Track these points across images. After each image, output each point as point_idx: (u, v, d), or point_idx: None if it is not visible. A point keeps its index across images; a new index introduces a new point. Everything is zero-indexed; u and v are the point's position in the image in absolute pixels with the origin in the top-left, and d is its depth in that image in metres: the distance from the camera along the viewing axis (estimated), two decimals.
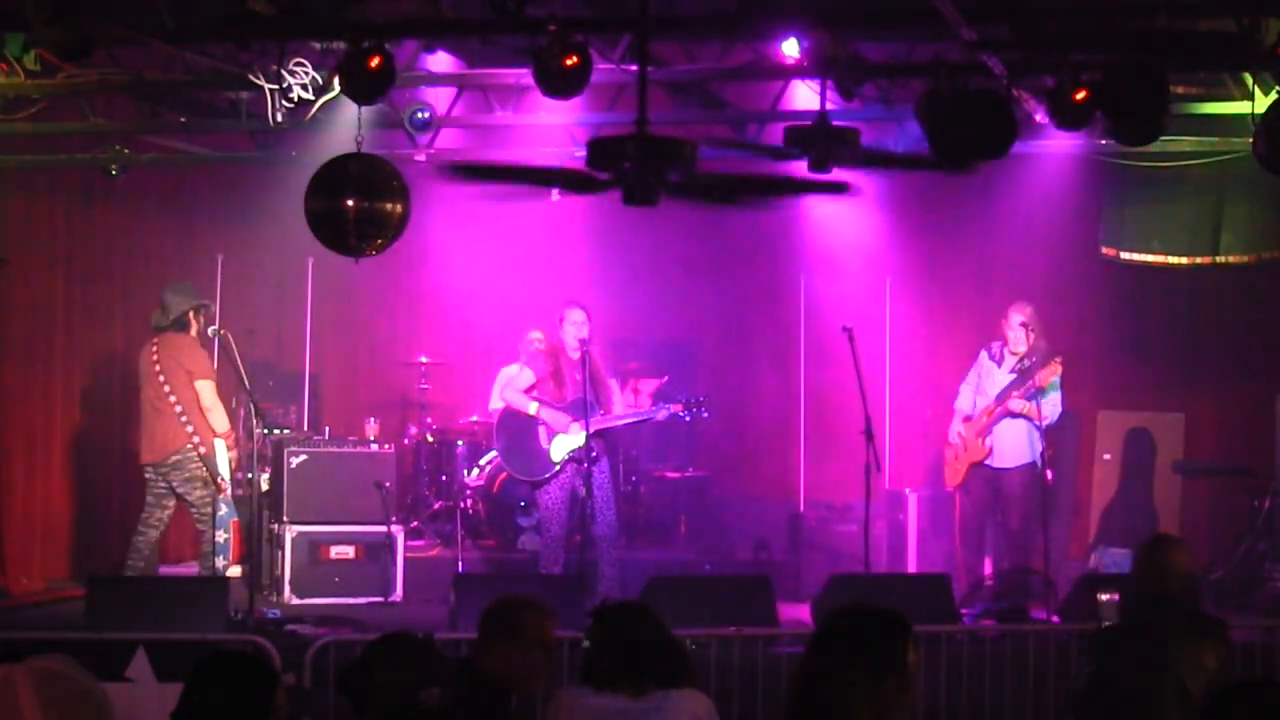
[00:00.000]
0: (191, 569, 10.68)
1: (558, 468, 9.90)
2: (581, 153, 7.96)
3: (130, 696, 6.96)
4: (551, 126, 10.58)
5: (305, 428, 12.02)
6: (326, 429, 11.85)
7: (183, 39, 8.84)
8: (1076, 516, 11.95)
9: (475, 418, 12.34)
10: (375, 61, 8.27)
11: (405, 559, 10.54)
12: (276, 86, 9.40)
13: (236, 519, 9.84)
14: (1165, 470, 11.87)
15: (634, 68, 7.87)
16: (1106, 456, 12.08)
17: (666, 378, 12.33)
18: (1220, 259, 11.37)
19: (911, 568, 11.06)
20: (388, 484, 10.56)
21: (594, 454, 9.74)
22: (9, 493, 10.75)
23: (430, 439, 12.25)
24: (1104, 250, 11.84)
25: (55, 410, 11.25)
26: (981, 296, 12.01)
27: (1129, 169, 11.19)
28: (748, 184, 6.45)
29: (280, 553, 10.38)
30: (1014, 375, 10.25)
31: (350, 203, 8.27)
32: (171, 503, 9.80)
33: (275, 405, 11.95)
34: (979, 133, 8.03)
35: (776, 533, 11.87)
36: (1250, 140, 8.43)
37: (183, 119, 10.80)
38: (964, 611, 9.39)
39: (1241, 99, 9.54)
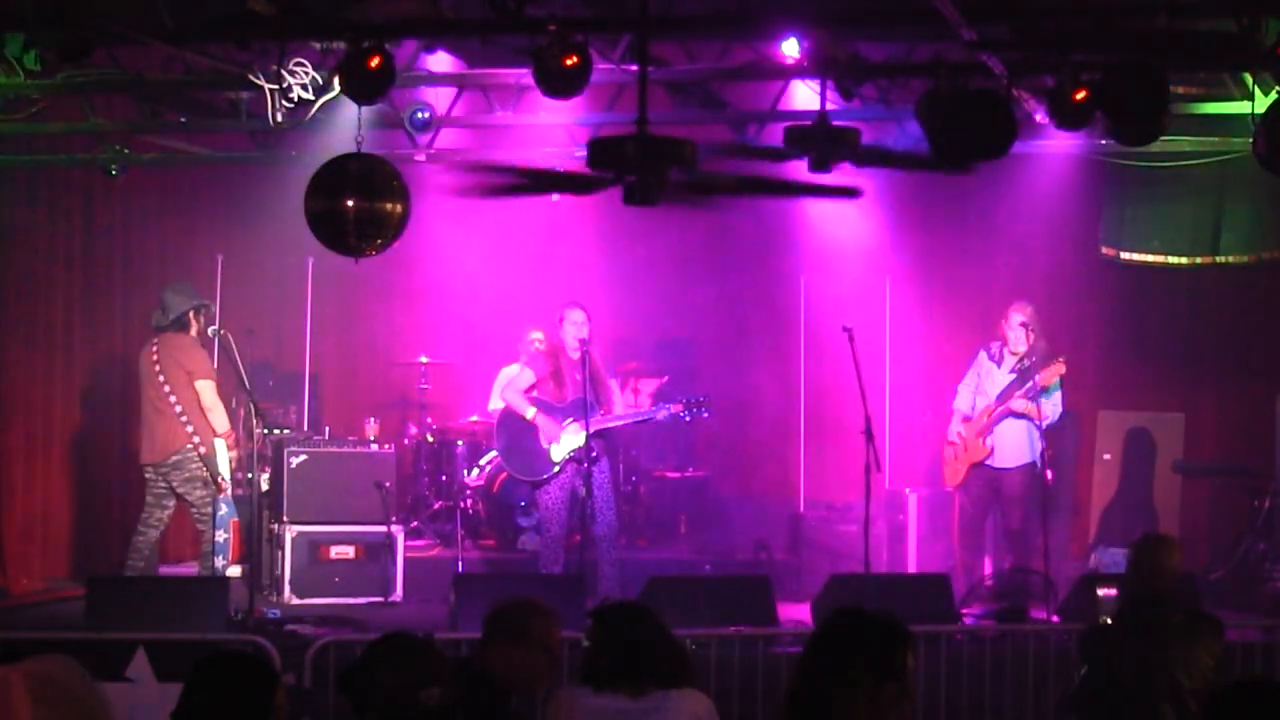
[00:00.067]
0: (191, 569, 10.68)
1: (558, 468, 9.90)
2: (581, 153, 7.97)
3: (130, 696, 6.97)
4: (551, 126, 10.58)
5: (305, 428, 12.02)
6: (326, 429, 11.85)
7: (183, 39, 8.83)
8: (1076, 516, 11.95)
9: (475, 418, 12.34)
10: (375, 61, 8.27)
11: (405, 559, 10.54)
12: (276, 86, 9.40)
13: (236, 519, 9.84)
14: (1165, 470, 11.86)
15: (634, 68, 7.88)
16: (1106, 456, 12.08)
17: (666, 378, 12.33)
18: (1220, 259, 11.37)
19: (911, 568, 11.06)
20: (388, 484, 10.56)
21: (594, 454, 9.74)
22: (9, 493, 10.75)
23: (430, 439, 12.25)
24: (1104, 250, 11.84)
25: (55, 410, 11.25)
26: (981, 296, 12.02)
27: (1129, 169, 11.19)
28: (751, 185, 6.44)
29: (280, 553, 10.37)
30: (1014, 375, 10.25)
31: (350, 203, 8.27)
32: (171, 503, 9.80)
33: (275, 405, 11.95)
34: (979, 133, 8.03)
35: (776, 533, 11.87)
36: (1250, 140, 8.43)
37: (183, 119, 10.80)
38: (964, 611, 9.38)
39: (1241, 99, 9.54)
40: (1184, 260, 11.51)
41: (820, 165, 7.38)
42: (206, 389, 9.72)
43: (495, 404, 11.32)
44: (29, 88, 9.70)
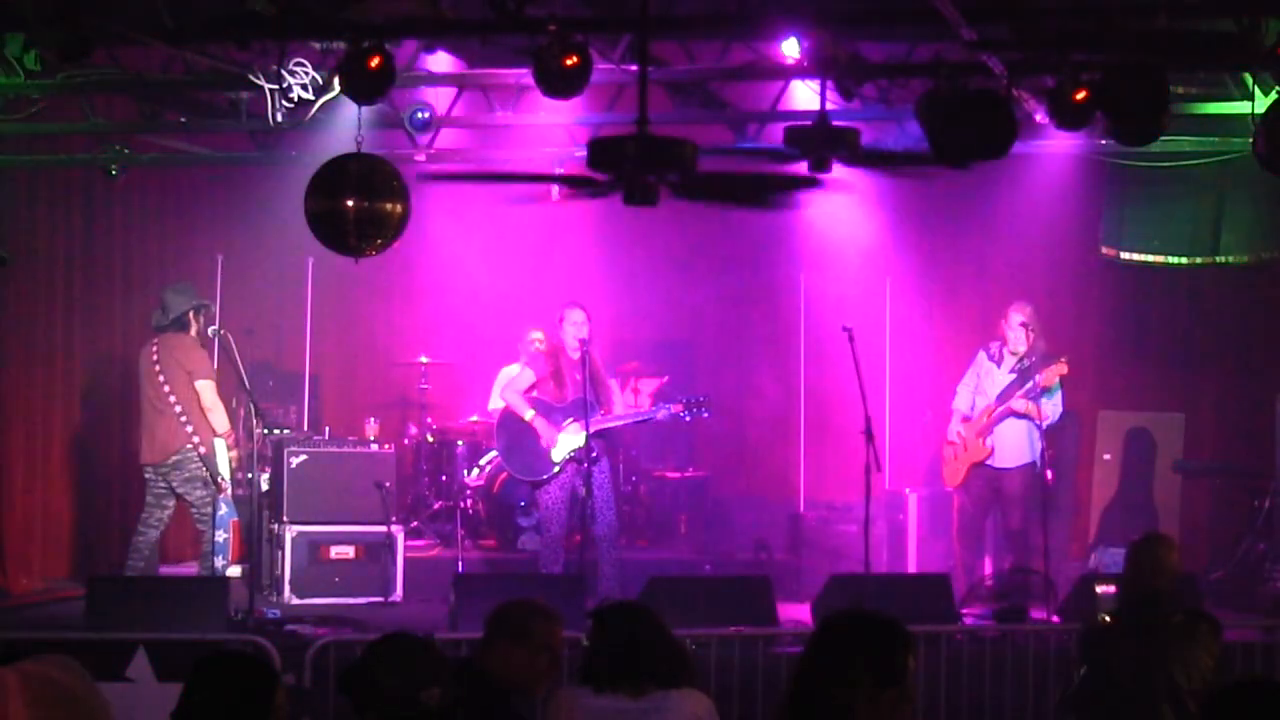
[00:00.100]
0: (191, 569, 10.68)
1: (558, 468, 9.90)
2: (581, 153, 7.97)
3: (130, 696, 6.96)
4: (551, 126, 10.58)
5: (305, 428, 12.02)
6: (326, 429, 11.85)
7: (183, 39, 8.83)
8: (1076, 516, 11.95)
9: (475, 418, 12.34)
10: (375, 61, 8.27)
11: (405, 559, 10.54)
12: (276, 86, 9.40)
13: (236, 519, 9.84)
14: (1165, 470, 11.86)
15: (634, 68, 7.88)
16: (1106, 456, 12.08)
17: (666, 378, 12.34)
18: (1220, 259, 11.36)
19: (911, 568, 11.07)
20: (388, 484, 10.56)
21: (594, 454, 9.74)
22: (9, 493, 10.75)
23: (430, 439, 12.25)
24: (1104, 250, 11.84)
25: (55, 410, 11.25)
26: (981, 296, 12.02)
27: (1129, 169, 11.18)
28: (748, 183, 6.45)
29: (280, 553, 10.37)
30: (1014, 375, 10.25)
31: (350, 203, 8.26)
32: (171, 503, 9.81)
33: (275, 405, 11.95)
34: (979, 133, 8.03)
35: (776, 533, 11.87)
36: (1250, 140, 8.43)
37: (183, 119, 10.80)
38: (964, 611, 9.38)
39: (1241, 99, 9.54)
40: (1184, 260, 11.51)
41: (820, 165, 7.39)
42: (206, 389, 9.73)
43: (495, 404, 11.33)
44: (29, 88, 9.70)
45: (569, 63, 8.20)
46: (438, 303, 13.39)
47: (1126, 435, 12.06)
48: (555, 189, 8.31)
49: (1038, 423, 9.97)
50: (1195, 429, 12.00)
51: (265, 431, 10.68)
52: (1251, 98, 9.17)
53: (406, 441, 12.28)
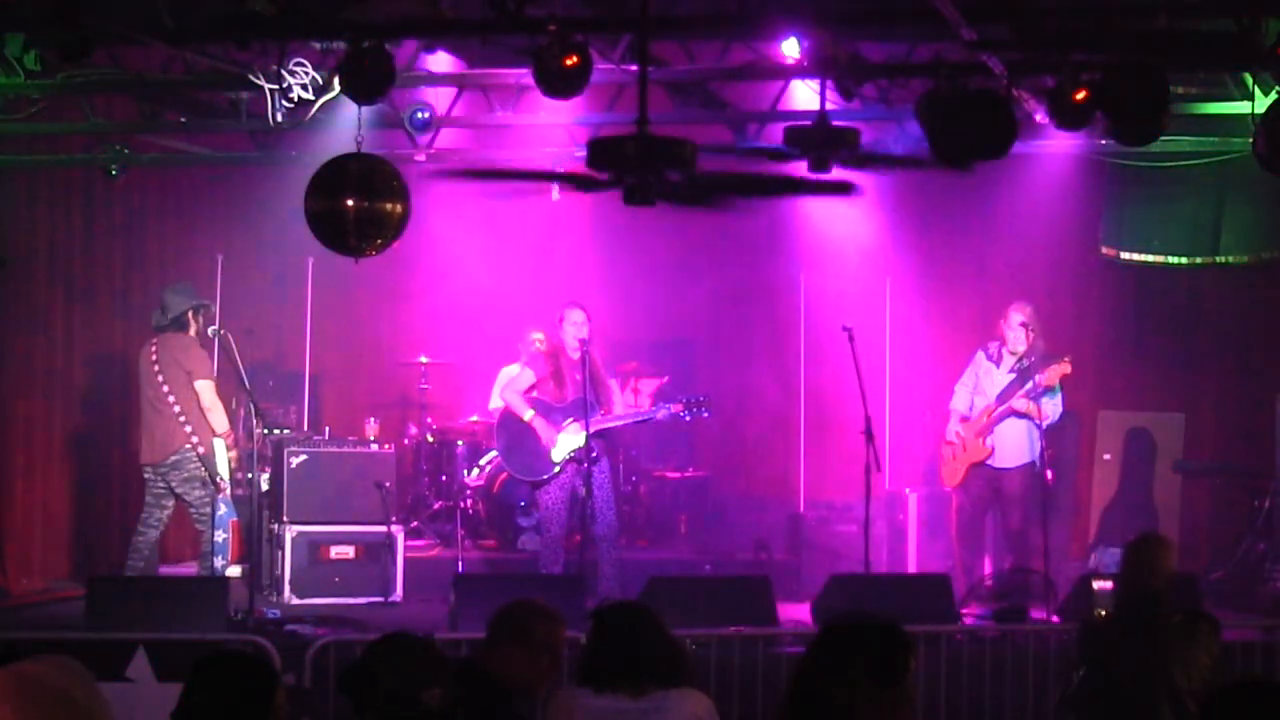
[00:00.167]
0: (191, 569, 10.68)
1: (558, 468, 9.90)
2: (581, 153, 7.97)
3: (130, 696, 6.96)
4: (551, 126, 10.58)
5: (305, 428, 12.02)
6: (326, 429, 11.85)
7: (183, 39, 8.84)
8: (1076, 516, 11.95)
9: (475, 418, 12.34)
10: (375, 61, 8.27)
11: (405, 559, 10.54)
12: (276, 86, 9.40)
13: (236, 519, 9.83)
14: (1165, 470, 11.86)
15: (634, 68, 7.88)
16: (1106, 456, 12.08)
17: (666, 378, 12.33)
18: (1220, 259, 11.36)
19: (911, 568, 11.07)
20: (388, 484, 10.56)
21: (594, 454, 9.74)
22: (9, 492, 10.75)
23: (430, 439, 12.25)
24: (1104, 250, 11.84)
25: (55, 410, 11.25)
26: (981, 296, 12.01)
27: (1129, 169, 11.18)
28: (748, 184, 6.44)
29: (280, 553, 10.37)
30: (1013, 375, 10.26)
31: (350, 203, 8.26)
32: (171, 503, 9.80)
33: (275, 405, 11.95)
34: (979, 133, 8.03)
35: (776, 533, 11.87)
36: (1250, 140, 8.43)
37: (183, 119, 10.81)
38: (964, 612, 9.38)
39: (1241, 99, 9.54)
40: (1184, 260, 11.51)
41: (820, 165, 7.38)
42: (205, 389, 9.72)
43: (495, 404, 11.32)
44: (29, 88, 9.70)
45: (569, 63, 8.21)
46: (438, 303, 13.38)
47: (1126, 435, 12.05)
48: (555, 189, 8.32)
49: (1038, 422, 9.97)
50: (1195, 429, 12.00)
51: (265, 431, 10.68)
52: (1251, 98, 9.18)
53: (406, 441, 12.28)
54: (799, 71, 9.49)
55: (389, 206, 8.36)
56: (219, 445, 9.71)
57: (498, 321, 12.71)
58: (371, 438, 11.46)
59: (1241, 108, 9.45)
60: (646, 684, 4.79)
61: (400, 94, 9.86)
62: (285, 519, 10.43)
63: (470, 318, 13.29)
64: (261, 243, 11.97)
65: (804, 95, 9.92)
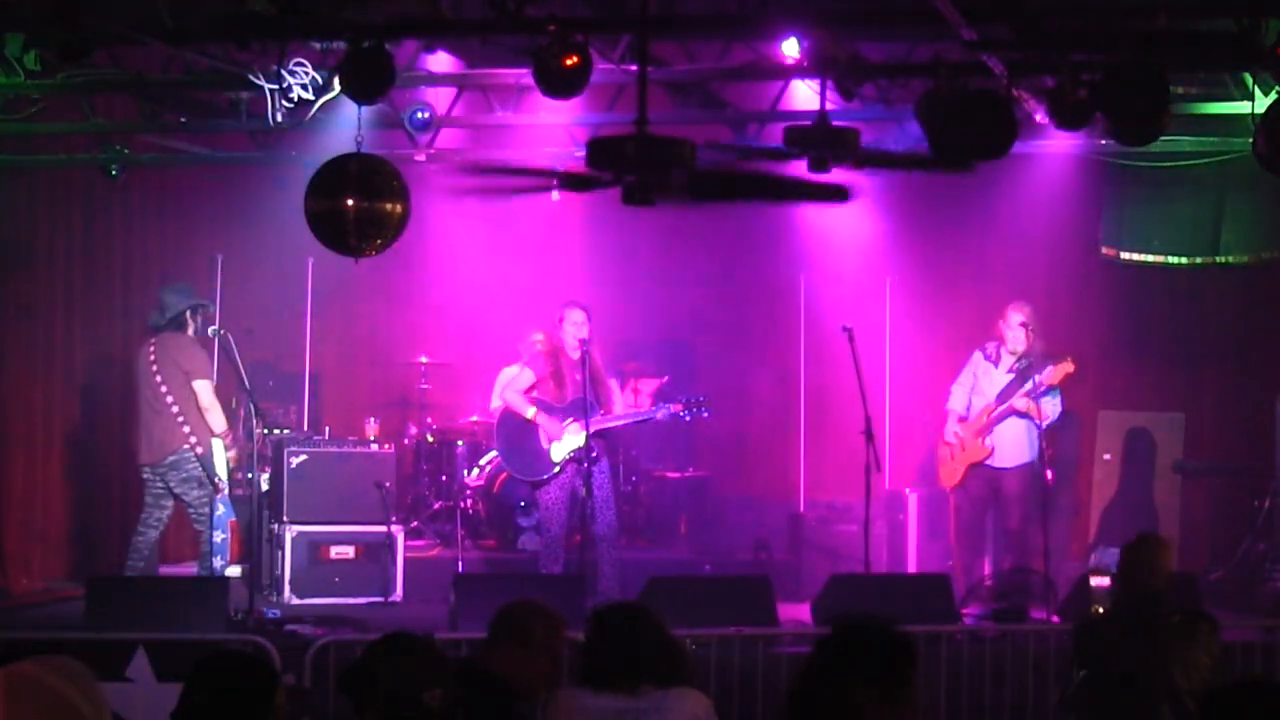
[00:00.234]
0: (191, 569, 10.67)
1: (558, 468, 9.90)
2: (581, 153, 7.97)
3: (130, 696, 6.97)
4: (551, 126, 10.58)
5: (305, 428, 12.02)
6: (326, 429, 11.85)
7: (183, 39, 8.84)
8: (1076, 516, 11.94)
9: (475, 418, 12.34)
10: (375, 61, 8.27)
11: (405, 559, 10.54)
12: (276, 86, 9.40)
13: (234, 519, 9.83)
14: (1165, 470, 11.86)
15: (634, 68, 7.88)
16: (1106, 456, 12.08)
17: (666, 378, 12.33)
18: (1220, 259, 11.36)
19: (911, 568, 11.07)
20: (388, 484, 10.56)
21: (594, 454, 9.74)
22: (9, 493, 10.75)
23: (430, 439, 12.25)
24: (1104, 250, 11.84)
25: (55, 410, 11.25)
26: (981, 296, 12.00)
27: (1129, 169, 11.18)
28: (748, 184, 6.45)
29: (280, 553, 10.37)
30: (1012, 375, 10.26)
31: (350, 203, 8.26)
32: (170, 503, 9.80)
33: (275, 405, 11.95)
34: (979, 133, 8.03)
35: (776, 533, 11.87)
36: (1250, 140, 8.43)
37: (183, 119, 10.81)
38: (964, 612, 9.38)
39: (1241, 99, 9.54)
40: (1184, 260, 11.51)
41: (820, 165, 7.38)
42: (203, 389, 9.72)
43: (496, 404, 11.32)
44: (29, 88, 9.70)
45: (569, 63, 8.20)
46: (438, 303, 13.38)
47: (1126, 435, 12.05)
48: (555, 190, 8.30)
49: (1038, 422, 9.97)
50: (1195, 429, 12.00)
51: (265, 431, 10.67)
52: (1251, 98, 9.17)
53: (406, 441, 12.28)
54: (799, 71, 9.49)
55: (389, 206, 8.35)
56: (217, 445, 9.71)
57: (498, 321, 12.71)
58: (371, 438, 11.46)
59: (1241, 108, 9.45)
60: (644, 683, 4.79)
61: (400, 94, 9.86)
62: (285, 519, 10.43)
63: (470, 318, 13.29)
64: (261, 243, 11.96)
65: (804, 95, 9.92)
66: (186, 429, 9.65)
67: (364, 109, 8.82)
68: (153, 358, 9.76)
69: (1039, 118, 9.20)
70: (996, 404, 10.27)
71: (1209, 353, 12.09)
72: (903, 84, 9.48)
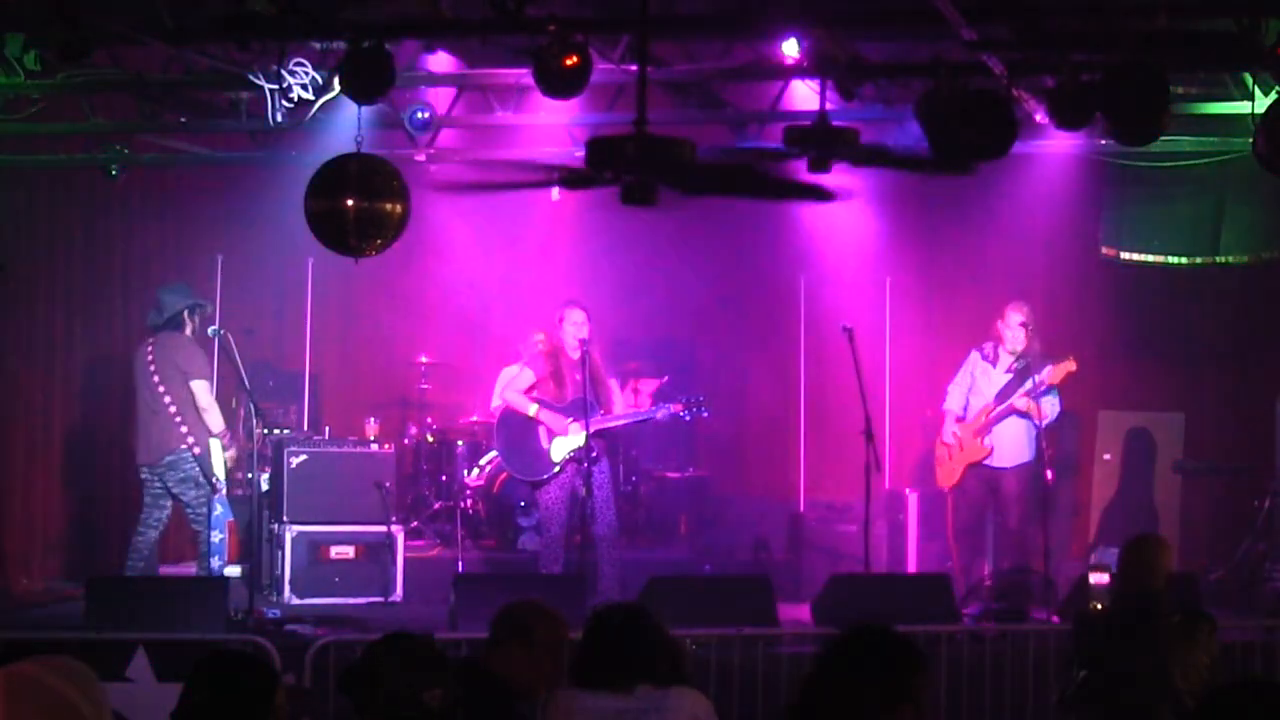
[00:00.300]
0: (191, 569, 10.67)
1: (558, 468, 9.90)
2: (581, 153, 7.97)
3: (130, 696, 6.96)
4: (551, 126, 10.58)
5: (305, 428, 12.02)
6: (326, 429, 11.85)
7: (183, 39, 8.84)
8: (1076, 516, 11.95)
9: (475, 418, 12.34)
10: (375, 61, 8.27)
11: (405, 559, 10.54)
12: (276, 86, 9.40)
13: (232, 519, 9.83)
14: (1165, 470, 11.86)
15: (634, 68, 7.87)
16: (1106, 456, 12.08)
17: (666, 378, 12.33)
18: (1220, 259, 11.36)
19: (911, 568, 11.06)
20: (388, 484, 10.56)
21: (594, 454, 9.74)
22: (8, 492, 10.75)
23: (430, 439, 12.25)
24: (1104, 250, 11.84)
25: (55, 410, 11.25)
26: (981, 296, 11.99)
27: (1129, 169, 11.18)
28: (747, 179, 6.45)
29: (280, 553, 10.37)
30: (1010, 375, 10.27)
31: (350, 203, 8.26)
32: (169, 503, 9.80)
33: (275, 405, 11.95)
34: (979, 133, 8.03)
35: (776, 533, 11.86)
36: (1250, 140, 8.43)
37: (183, 119, 10.80)
38: (964, 612, 9.38)
39: (1241, 99, 9.54)
40: (1184, 260, 11.51)
41: (820, 165, 7.38)
42: (201, 389, 9.72)
43: (497, 404, 11.32)
44: (29, 88, 9.70)
45: (569, 63, 8.20)
46: (438, 303, 13.38)
47: (1126, 435, 12.06)
48: (555, 190, 8.31)
49: (1038, 422, 9.97)
50: (1195, 429, 12.00)
51: (265, 431, 10.68)
52: (1251, 98, 9.18)
53: (406, 441, 12.28)
54: (799, 71, 9.48)
55: (389, 206, 8.35)
56: (215, 445, 9.71)
57: (498, 321, 12.71)
58: (371, 438, 11.46)
59: (1241, 108, 9.45)
60: (640, 683, 4.79)
61: (400, 94, 9.86)
62: (285, 519, 10.43)
63: (470, 318, 13.29)
64: (261, 243, 11.96)
65: (804, 95, 9.91)
66: (184, 429, 9.64)
67: (364, 109, 8.82)
68: (150, 358, 9.76)
69: (1039, 118, 9.20)
70: (995, 404, 10.27)
71: (1209, 353, 12.09)
72: (903, 84, 9.48)
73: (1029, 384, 10.12)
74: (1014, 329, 10.21)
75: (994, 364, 10.38)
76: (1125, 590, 6.78)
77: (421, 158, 10.56)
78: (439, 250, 12.92)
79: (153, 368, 9.72)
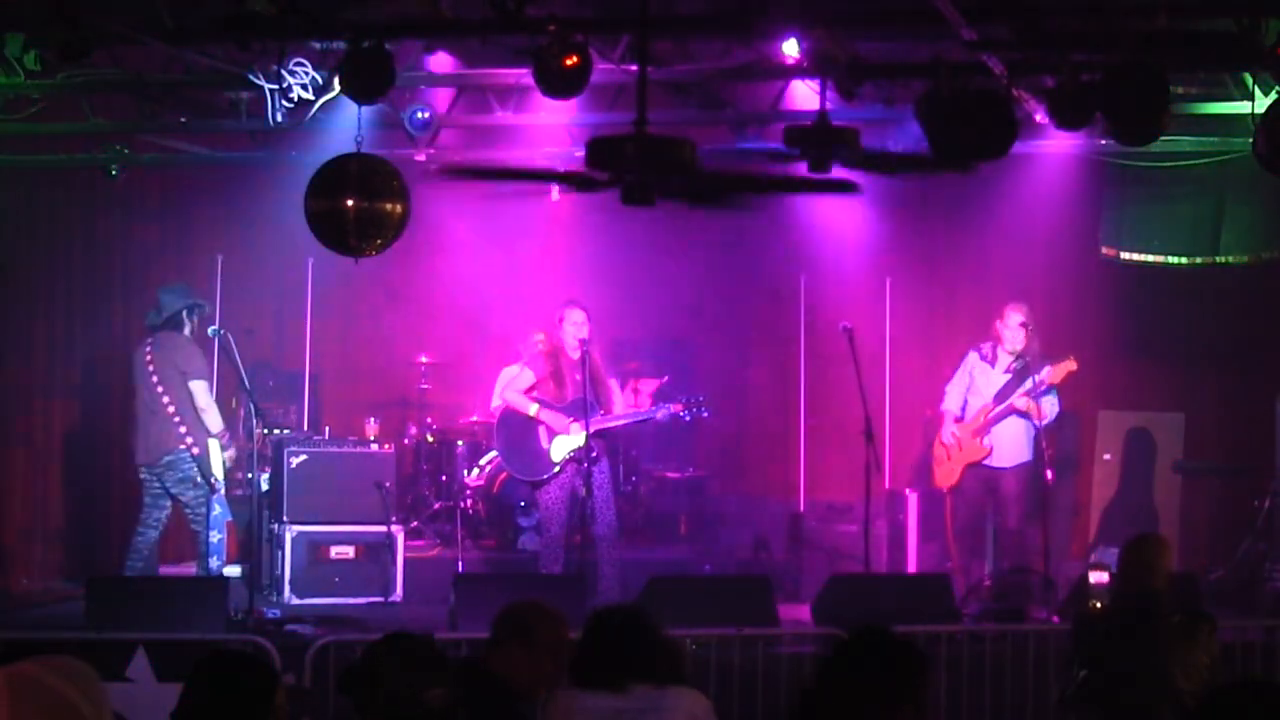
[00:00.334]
0: (191, 569, 10.67)
1: (558, 468, 9.90)
2: (581, 153, 7.97)
3: (130, 696, 6.96)
4: (551, 126, 10.58)
5: (305, 428, 12.01)
6: (326, 429, 11.85)
7: (183, 39, 8.84)
8: (1076, 516, 11.95)
9: (475, 418, 12.33)
10: (375, 61, 8.27)
11: (405, 559, 10.54)
12: (276, 86, 9.41)
13: (231, 519, 9.83)
14: (1165, 470, 11.86)
15: (634, 68, 7.87)
16: (1106, 456, 12.08)
17: (666, 378, 12.33)
18: (1220, 259, 11.35)
19: (911, 568, 11.06)
20: (388, 484, 10.56)
21: (594, 454, 9.74)
22: (8, 493, 10.75)
23: (430, 439, 12.25)
24: (1104, 250, 11.83)
25: (55, 410, 11.25)
26: (981, 297, 12.00)
27: (1129, 169, 11.18)
28: (748, 183, 6.45)
29: (280, 553, 10.37)
30: (1009, 375, 10.27)
31: (350, 203, 8.27)
32: (168, 503, 9.81)
33: (275, 405, 11.95)
34: (979, 133, 8.03)
35: (776, 533, 11.86)
36: (1250, 140, 8.43)
37: (183, 119, 10.81)
38: (964, 612, 9.38)
39: (1241, 99, 9.54)
40: (1184, 260, 11.50)
41: (820, 165, 7.38)
42: (200, 389, 9.72)
43: (497, 404, 11.31)
44: (29, 88, 9.71)
45: (569, 63, 8.21)
46: (438, 303, 13.38)
47: (1126, 435, 12.06)
48: (555, 190, 8.31)
49: (1037, 422, 9.97)
50: (1195, 429, 12.00)
51: (265, 431, 10.67)
52: (1251, 98, 9.18)
53: (406, 441, 12.27)
54: (799, 71, 9.49)
55: (389, 206, 8.36)
56: (213, 446, 9.71)
57: (498, 321, 12.70)
58: (371, 438, 11.45)
59: (1241, 108, 9.45)
60: (635, 683, 4.79)
61: (400, 94, 9.86)
62: (285, 519, 10.43)
63: (470, 318, 13.28)
64: (261, 243, 11.96)
65: (804, 95, 9.92)
66: (183, 429, 9.64)
67: (364, 109, 8.83)
68: (149, 358, 9.76)
69: (1039, 118, 9.20)
70: (995, 404, 10.27)
71: (1209, 353, 12.08)
72: (903, 84, 9.48)
73: (1029, 383, 10.13)
74: (1013, 329, 10.22)
75: (992, 364, 10.38)
76: (1125, 590, 6.78)
77: (421, 158, 10.56)
78: (439, 250, 12.92)
79: (151, 368, 9.72)
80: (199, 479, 9.66)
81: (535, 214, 12.38)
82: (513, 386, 10.23)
